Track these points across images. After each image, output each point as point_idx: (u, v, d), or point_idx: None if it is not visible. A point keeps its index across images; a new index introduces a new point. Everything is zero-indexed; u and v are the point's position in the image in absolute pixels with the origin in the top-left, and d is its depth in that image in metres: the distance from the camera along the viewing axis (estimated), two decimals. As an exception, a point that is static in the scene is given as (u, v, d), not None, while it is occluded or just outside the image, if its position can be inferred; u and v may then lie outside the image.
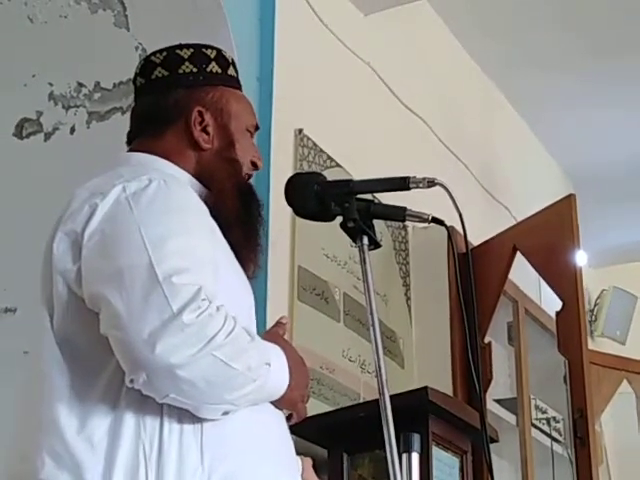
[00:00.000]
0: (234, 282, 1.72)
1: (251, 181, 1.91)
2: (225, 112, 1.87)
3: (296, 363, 1.70)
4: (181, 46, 1.90)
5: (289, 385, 1.66)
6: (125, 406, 1.56)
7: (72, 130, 3.48)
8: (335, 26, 3.84)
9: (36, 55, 3.51)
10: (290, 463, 1.73)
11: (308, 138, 3.51)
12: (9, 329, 3.21)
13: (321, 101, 3.67)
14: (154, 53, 1.91)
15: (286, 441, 1.73)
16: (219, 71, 1.89)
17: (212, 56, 1.90)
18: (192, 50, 1.89)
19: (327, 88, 3.73)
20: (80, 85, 3.49)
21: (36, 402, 1.63)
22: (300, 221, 3.09)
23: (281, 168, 3.23)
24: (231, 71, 1.93)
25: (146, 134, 1.86)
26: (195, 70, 1.87)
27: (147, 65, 1.90)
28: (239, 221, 1.81)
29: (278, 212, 3.07)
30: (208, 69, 1.88)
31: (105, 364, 1.58)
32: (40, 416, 1.60)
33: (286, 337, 1.81)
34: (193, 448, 1.55)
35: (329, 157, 3.61)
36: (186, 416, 1.56)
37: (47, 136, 3.51)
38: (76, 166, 3.27)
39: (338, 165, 3.64)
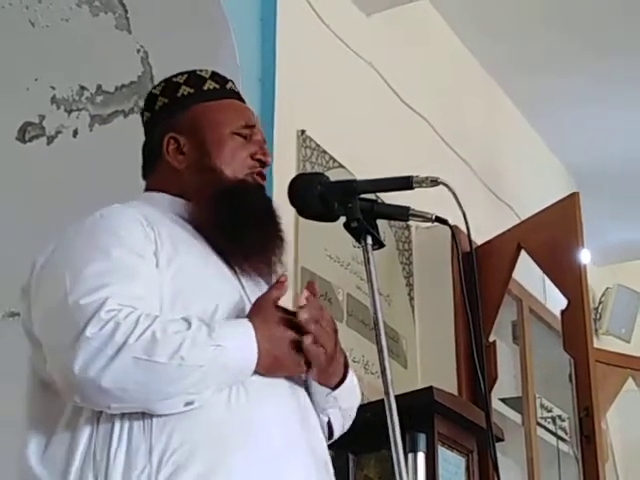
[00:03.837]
0: (195, 284, 1.69)
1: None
2: (198, 128, 1.88)
3: (270, 328, 1.64)
4: (154, 86, 1.98)
5: (260, 353, 1.61)
6: (83, 422, 1.58)
7: (75, 133, 3.48)
8: (337, 27, 3.84)
9: (38, 59, 3.51)
10: (285, 448, 1.63)
11: (311, 139, 3.51)
12: (16, 333, 3.21)
13: (323, 102, 3.67)
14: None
15: (286, 428, 1.65)
16: (191, 92, 1.91)
17: (182, 81, 1.93)
18: (163, 84, 1.95)
19: (329, 89, 3.73)
20: (82, 88, 3.48)
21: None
22: (303, 222, 3.07)
23: (284, 169, 3.23)
24: (208, 85, 1.93)
25: (148, 172, 1.94)
26: (166, 101, 1.92)
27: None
28: (220, 226, 1.79)
29: (281, 213, 3.07)
30: (178, 94, 1.91)
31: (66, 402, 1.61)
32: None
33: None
34: (142, 446, 1.54)
35: (332, 158, 3.61)
36: (134, 416, 1.56)
37: (50, 140, 3.51)
38: (79, 169, 3.28)
39: (341, 166, 3.64)
